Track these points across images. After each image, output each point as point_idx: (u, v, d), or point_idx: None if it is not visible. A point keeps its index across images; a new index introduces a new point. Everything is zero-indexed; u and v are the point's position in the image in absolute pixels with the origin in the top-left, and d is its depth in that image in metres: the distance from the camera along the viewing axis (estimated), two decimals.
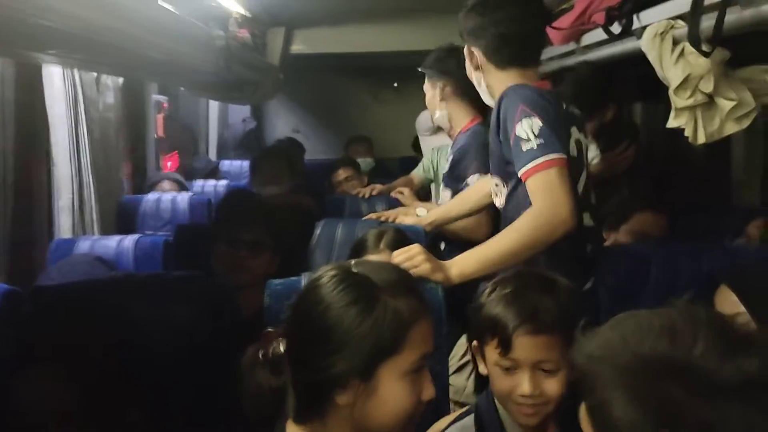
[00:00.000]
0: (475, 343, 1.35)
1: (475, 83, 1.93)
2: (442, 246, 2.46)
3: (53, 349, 1.30)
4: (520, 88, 1.70)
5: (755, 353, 0.74)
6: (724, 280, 1.45)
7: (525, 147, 1.58)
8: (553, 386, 1.25)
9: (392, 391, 1.11)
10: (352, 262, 1.20)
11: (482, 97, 1.94)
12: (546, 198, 1.54)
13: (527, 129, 1.58)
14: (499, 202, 1.86)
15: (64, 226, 2.54)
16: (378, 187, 3.20)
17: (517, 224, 1.57)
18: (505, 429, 1.32)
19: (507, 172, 1.76)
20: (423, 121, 3.53)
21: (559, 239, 1.54)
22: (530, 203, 1.60)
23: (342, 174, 3.71)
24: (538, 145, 1.57)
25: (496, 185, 1.86)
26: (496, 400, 1.33)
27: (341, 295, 1.12)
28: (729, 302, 1.41)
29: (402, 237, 1.97)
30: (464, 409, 1.42)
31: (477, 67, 1.86)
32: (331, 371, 1.09)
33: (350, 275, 1.15)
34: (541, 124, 1.58)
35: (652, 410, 0.75)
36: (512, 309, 1.27)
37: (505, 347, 1.26)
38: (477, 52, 1.83)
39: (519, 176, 1.60)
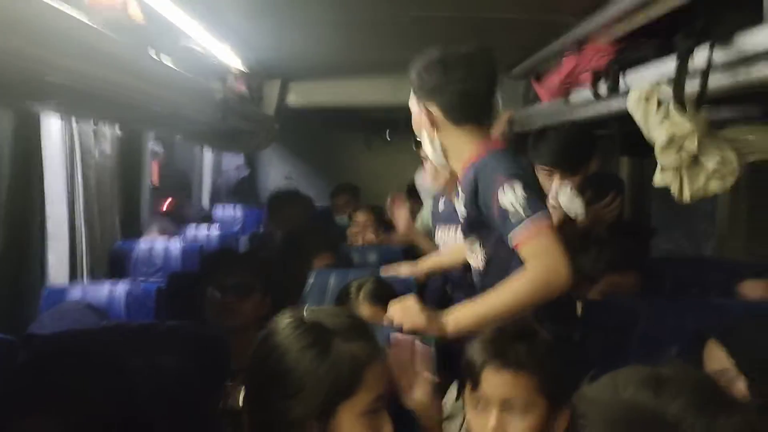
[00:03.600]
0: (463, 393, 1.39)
1: (426, 141, 1.88)
2: (449, 288, 2.49)
3: (44, 398, 1.30)
4: (493, 158, 1.73)
5: (733, 416, 0.78)
6: (712, 335, 1.47)
7: (513, 218, 1.60)
8: (518, 427, 1.27)
9: None
10: (305, 309, 1.25)
11: (432, 156, 1.90)
12: (543, 262, 1.56)
13: (511, 198, 1.61)
14: (476, 261, 1.88)
15: (57, 273, 2.55)
16: (369, 237, 3.23)
17: (514, 284, 1.58)
18: None
19: (485, 234, 1.79)
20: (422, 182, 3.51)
21: (554, 296, 1.56)
22: (514, 264, 1.64)
23: (362, 217, 3.70)
24: (524, 212, 1.59)
25: (472, 244, 1.88)
26: None
27: (297, 340, 1.16)
28: (717, 358, 1.43)
29: (382, 287, 1.99)
30: None
31: (432, 124, 1.83)
32: (289, 414, 1.12)
33: (304, 321, 1.20)
34: (522, 190, 1.62)
35: None
36: (483, 348, 1.34)
37: (474, 382, 1.31)
38: (434, 109, 1.81)
39: (511, 245, 1.62)
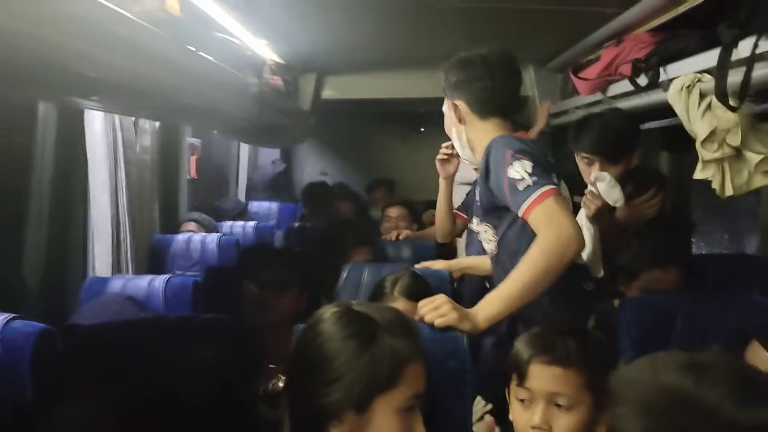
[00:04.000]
0: (507, 389, 1.38)
1: (455, 137, 2.03)
2: (488, 283, 2.49)
3: (83, 387, 1.33)
4: (504, 139, 1.80)
5: None
6: (755, 335, 1.43)
7: (521, 186, 1.66)
8: (565, 424, 1.28)
9: (385, 426, 1.14)
10: (354, 302, 1.27)
11: (460, 151, 2.06)
12: (550, 225, 1.60)
13: (520, 170, 1.68)
14: (490, 248, 1.95)
15: (101, 265, 2.60)
16: (405, 232, 3.23)
17: (528, 257, 1.60)
18: None
19: (497, 218, 1.86)
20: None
21: (570, 259, 1.58)
22: (521, 248, 1.69)
23: (394, 212, 3.73)
24: (533, 182, 1.65)
25: (485, 232, 1.94)
26: None
27: (341, 328, 1.18)
28: (760, 358, 1.40)
29: (417, 282, 1.99)
30: None
31: (459, 120, 1.96)
32: (327, 400, 1.13)
33: (351, 311, 1.22)
34: (531, 163, 1.68)
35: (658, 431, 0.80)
36: (531, 343, 1.36)
37: (521, 377, 1.33)
38: (461, 104, 1.95)
39: (520, 215, 1.67)
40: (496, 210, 1.85)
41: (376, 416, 1.14)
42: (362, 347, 1.15)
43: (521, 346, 1.38)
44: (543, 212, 1.62)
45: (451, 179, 2.75)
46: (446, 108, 2.04)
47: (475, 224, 2.64)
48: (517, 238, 1.80)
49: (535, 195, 1.64)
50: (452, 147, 2.65)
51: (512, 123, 1.97)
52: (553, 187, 1.66)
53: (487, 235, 1.94)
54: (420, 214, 4.31)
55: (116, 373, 1.38)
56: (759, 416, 0.77)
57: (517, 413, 1.34)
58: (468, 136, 1.98)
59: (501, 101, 1.93)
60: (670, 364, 0.85)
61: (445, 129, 2.07)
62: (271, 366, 1.26)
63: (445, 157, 2.64)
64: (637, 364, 0.90)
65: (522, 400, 1.33)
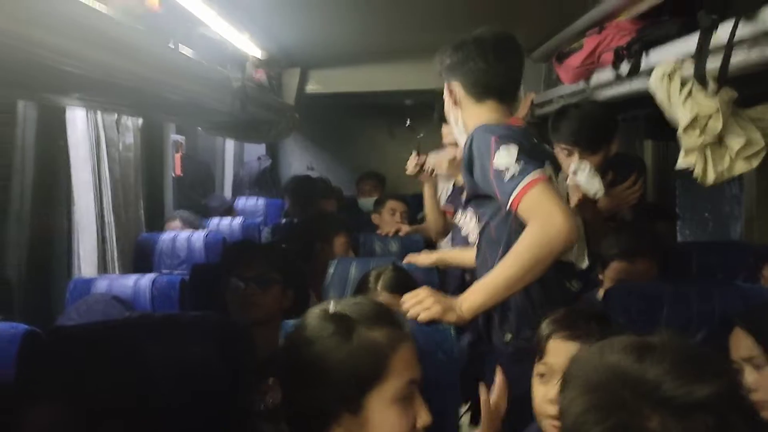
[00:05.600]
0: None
1: (452, 121, 1.94)
2: (468, 276, 2.50)
3: (69, 388, 1.32)
4: (487, 126, 1.73)
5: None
6: (739, 322, 1.44)
7: (507, 177, 1.59)
8: None
9: (383, 420, 1.13)
10: (332, 302, 1.26)
11: (456, 136, 1.97)
12: (537, 215, 1.54)
13: (505, 159, 1.60)
14: (472, 237, 1.90)
15: (86, 265, 2.58)
16: (405, 228, 3.22)
17: (515, 247, 1.57)
18: None
19: (480, 207, 1.81)
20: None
21: (560, 251, 1.53)
22: (502, 240, 1.68)
23: (399, 207, 3.69)
24: (519, 170, 1.58)
25: (470, 221, 1.90)
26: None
27: (321, 331, 1.18)
28: (744, 345, 1.41)
29: (400, 276, 1.98)
30: None
31: (455, 103, 1.89)
32: (319, 404, 1.13)
33: (330, 312, 1.22)
34: (517, 148, 1.61)
35: (598, 407, 0.84)
36: (554, 320, 1.38)
37: (541, 352, 1.35)
38: (456, 87, 1.87)
39: (509, 207, 1.60)
40: (478, 198, 1.79)
41: (372, 412, 1.13)
42: (342, 344, 1.15)
43: (544, 326, 1.40)
44: (530, 201, 1.55)
45: (433, 180, 2.75)
46: (445, 93, 1.94)
47: (458, 217, 2.66)
48: (498, 228, 1.74)
49: (522, 184, 1.56)
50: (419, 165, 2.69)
51: (509, 107, 1.88)
52: (539, 173, 1.58)
53: (470, 224, 1.91)
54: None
55: (103, 374, 1.36)
56: (696, 393, 0.79)
57: (535, 389, 1.37)
58: (464, 120, 1.89)
59: (495, 83, 1.83)
60: (616, 345, 0.89)
61: (446, 113, 1.97)
62: (268, 382, 1.26)
63: (416, 170, 2.64)
64: (590, 347, 0.94)
65: (542, 375, 1.35)
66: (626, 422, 0.81)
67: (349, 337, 1.16)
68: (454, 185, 2.97)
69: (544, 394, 1.33)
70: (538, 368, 1.37)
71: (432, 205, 2.82)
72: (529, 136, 1.77)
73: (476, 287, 1.61)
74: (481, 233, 1.83)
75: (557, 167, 1.86)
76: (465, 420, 1.79)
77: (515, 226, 1.62)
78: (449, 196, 2.94)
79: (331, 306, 1.24)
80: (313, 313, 1.23)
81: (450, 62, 1.87)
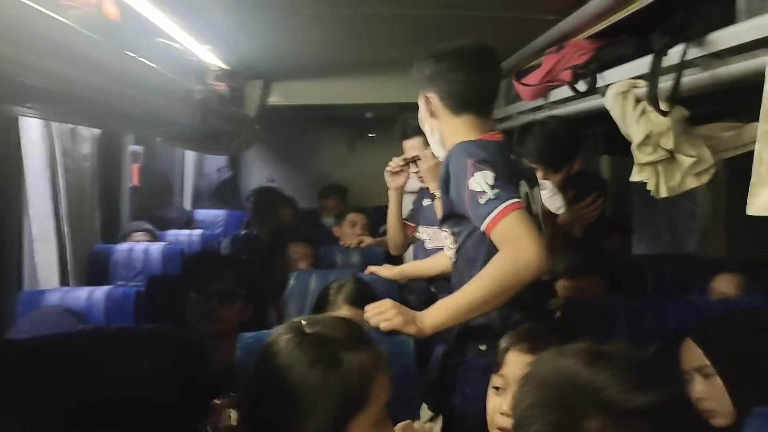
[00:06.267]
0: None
1: (427, 132, 1.93)
2: (432, 289, 2.51)
3: (19, 402, 1.29)
4: (465, 145, 1.71)
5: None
6: (689, 333, 1.48)
7: (482, 200, 1.58)
8: None
9: None
10: (303, 321, 1.21)
11: (433, 148, 1.95)
12: (510, 244, 1.54)
13: (481, 181, 1.59)
14: (449, 254, 1.88)
15: (45, 276, 2.52)
16: (367, 240, 3.23)
17: (483, 273, 1.57)
18: None
19: (456, 225, 1.78)
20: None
21: (528, 281, 1.53)
22: (479, 257, 1.68)
23: (359, 219, 3.68)
24: (495, 195, 1.57)
25: (445, 239, 1.87)
26: None
27: (301, 356, 1.12)
28: (694, 355, 1.44)
29: (361, 289, 1.98)
30: None
31: (431, 114, 1.86)
32: None
33: (306, 335, 1.16)
34: (493, 175, 1.60)
35: (544, 403, 0.89)
36: (514, 334, 1.41)
37: (497, 365, 1.37)
38: (433, 98, 1.84)
39: (482, 229, 1.60)
40: (455, 217, 1.77)
41: None
42: (328, 372, 1.11)
43: (504, 339, 1.42)
44: (504, 229, 1.55)
45: (401, 190, 2.75)
46: (420, 102, 1.92)
47: (421, 231, 2.67)
48: (475, 246, 1.73)
49: (496, 210, 1.56)
50: (406, 161, 2.67)
51: (487, 121, 1.88)
52: (517, 201, 1.58)
53: (446, 242, 1.87)
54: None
55: (55, 388, 1.33)
56: (636, 401, 0.84)
57: (490, 400, 1.38)
58: (441, 132, 1.87)
59: (474, 96, 1.82)
60: (572, 350, 0.95)
61: (419, 122, 1.96)
62: (216, 401, 1.21)
63: (398, 169, 2.64)
64: (548, 351, 1.00)
65: (497, 388, 1.36)
66: (566, 420, 0.86)
67: (336, 362, 1.12)
68: (415, 201, 2.98)
69: (498, 406, 1.35)
70: (495, 380, 1.38)
71: (395, 216, 2.83)
72: (505, 154, 1.76)
73: (441, 305, 1.62)
74: (458, 251, 1.81)
75: (534, 182, 1.86)
76: (424, 415, 1.79)
77: (493, 244, 1.61)
78: (411, 211, 2.95)
79: (305, 326, 1.19)
80: (286, 337, 1.17)
81: (429, 72, 1.84)
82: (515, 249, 1.52)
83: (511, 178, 1.66)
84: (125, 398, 1.37)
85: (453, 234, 1.81)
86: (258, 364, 1.19)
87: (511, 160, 1.77)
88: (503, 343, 1.42)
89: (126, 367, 1.44)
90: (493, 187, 1.58)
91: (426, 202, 2.80)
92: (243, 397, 1.18)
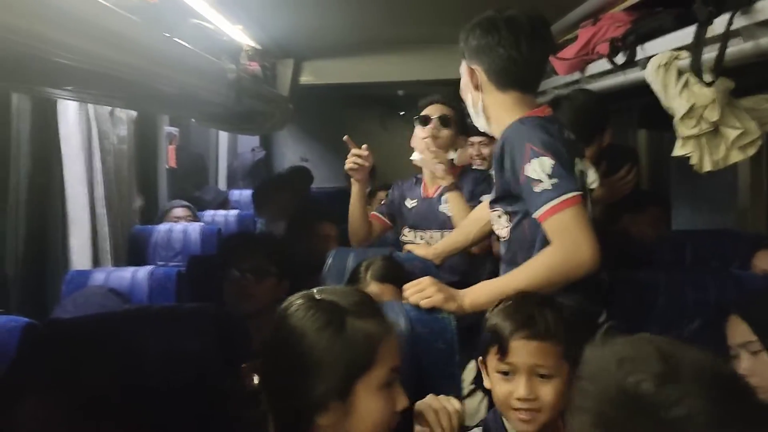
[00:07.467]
0: (480, 358, 1.43)
1: (470, 104, 1.82)
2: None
3: (65, 381, 1.33)
4: (524, 125, 1.64)
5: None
6: (734, 309, 1.46)
7: (538, 188, 1.53)
8: (547, 392, 1.32)
9: (369, 406, 1.17)
10: (315, 289, 1.26)
11: (475, 120, 1.85)
12: (564, 241, 1.50)
13: (538, 169, 1.53)
14: (502, 233, 1.81)
15: (78, 257, 2.57)
16: None
17: (533, 262, 1.55)
18: None
19: (511, 205, 1.73)
20: None
21: (577, 279, 1.50)
22: (536, 239, 1.62)
23: (383, 197, 3.66)
24: (552, 185, 1.51)
25: (499, 216, 1.81)
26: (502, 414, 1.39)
27: (312, 321, 1.18)
28: (740, 331, 1.43)
29: (389, 266, 1.98)
30: (474, 426, 1.45)
31: (476, 87, 1.77)
32: (311, 395, 1.14)
33: (316, 301, 1.22)
34: (552, 162, 1.53)
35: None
36: (510, 318, 1.37)
37: (503, 352, 1.35)
38: (479, 71, 1.75)
39: (535, 218, 1.55)
40: (511, 197, 1.70)
41: (359, 399, 1.16)
42: (335, 335, 1.16)
43: (500, 321, 1.38)
44: (559, 223, 1.50)
45: (365, 183, 2.67)
46: (463, 71, 1.81)
47: (408, 235, 2.61)
48: (531, 228, 1.65)
49: (553, 202, 1.50)
50: (363, 157, 2.63)
51: (534, 97, 1.78)
52: (575, 194, 1.51)
53: (499, 219, 1.79)
54: None
55: (100, 366, 1.37)
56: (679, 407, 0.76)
57: (498, 385, 1.37)
58: (484, 105, 1.77)
59: (523, 73, 1.71)
60: (638, 362, 0.81)
61: (461, 93, 1.86)
62: (244, 365, 1.26)
63: (355, 166, 2.55)
64: (604, 350, 0.88)
65: (504, 373, 1.36)
66: None
67: (342, 327, 1.17)
68: (387, 195, 2.88)
69: (511, 392, 1.34)
70: (500, 366, 1.36)
71: (359, 208, 2.65)
72: (565, 133, 1.70)
73: (484, 285, 1.61)
74: (512, 230, 1.75)
75: (582, 156, 1.80)
76: (469, 375, 1.80)
77: None
78: (383, 206, 2.86)
79: (317, 294, 1.24)
80: (298, 303, 1.22)
81: (477, 44, 1.73)
82: (569, 246, 1.49)
83: (570, 163, 1.60)
84: (171, 377, 1.40)
85: (507, 213, 1.75)
86: (274, 327, 1.24)
87: (569, 141, 1.69)
88: (504, 329, 1.36)
89: (171, 346, 1.47)
90: (551, 176, 1.52)
91: (410, 203, 2.74)
92: (265, 363, 1.24)
